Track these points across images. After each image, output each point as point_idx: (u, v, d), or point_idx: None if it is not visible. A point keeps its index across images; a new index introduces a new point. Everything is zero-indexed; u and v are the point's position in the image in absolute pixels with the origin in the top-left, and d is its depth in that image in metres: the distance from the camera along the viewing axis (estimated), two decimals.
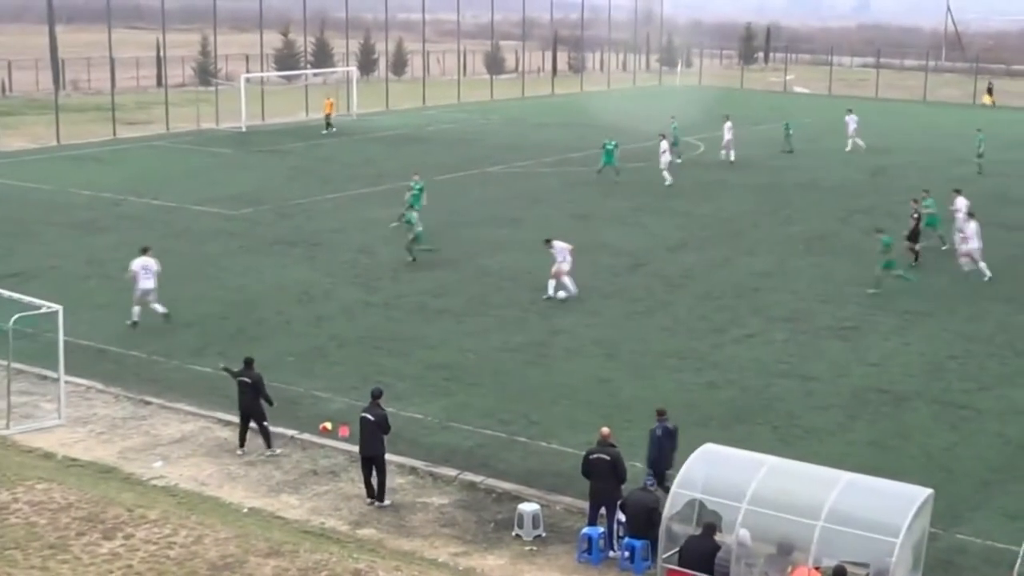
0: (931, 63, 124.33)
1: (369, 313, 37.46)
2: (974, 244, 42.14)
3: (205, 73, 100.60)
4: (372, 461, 24.55)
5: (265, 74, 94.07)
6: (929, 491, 20.26)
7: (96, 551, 20.45)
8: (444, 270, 42.41)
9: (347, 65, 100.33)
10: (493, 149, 70.52)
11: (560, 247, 39.06)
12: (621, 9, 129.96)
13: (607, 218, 51.56)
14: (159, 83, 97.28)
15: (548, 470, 26.01)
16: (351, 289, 40.04)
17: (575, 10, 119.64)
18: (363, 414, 24.72)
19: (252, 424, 27.06)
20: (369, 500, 24.47)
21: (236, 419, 28.25)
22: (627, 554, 21.91)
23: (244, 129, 78.01)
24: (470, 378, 31.68)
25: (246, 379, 27.09)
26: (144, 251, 36.59)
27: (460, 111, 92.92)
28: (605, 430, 23.37)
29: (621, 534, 22.40)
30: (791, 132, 73.11)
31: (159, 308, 35.78)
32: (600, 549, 22.29)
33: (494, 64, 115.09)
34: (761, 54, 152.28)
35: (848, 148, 73.18)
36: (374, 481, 24.57)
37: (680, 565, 20.29)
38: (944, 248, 45.43)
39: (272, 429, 27.73)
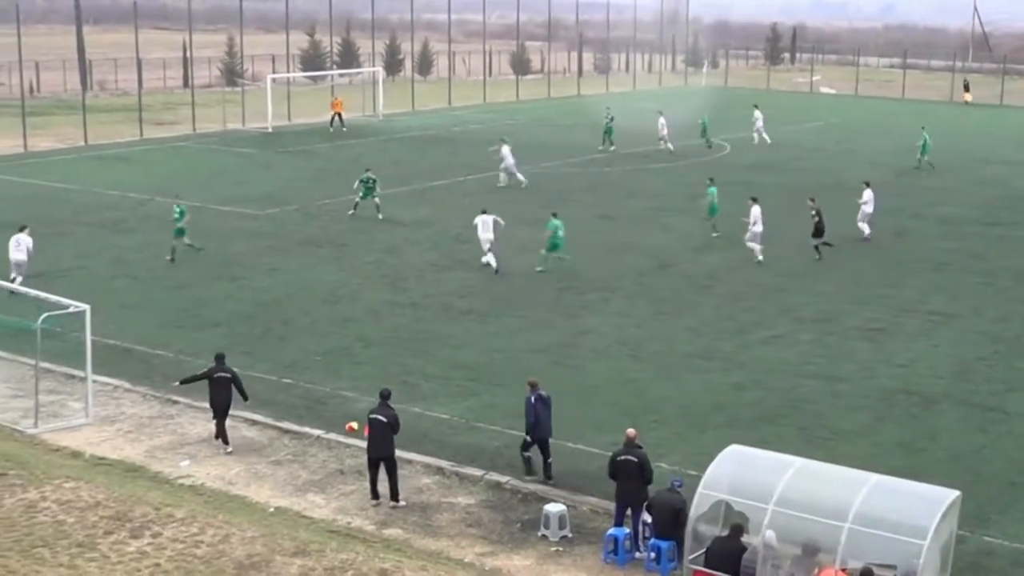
0: (958, 64, 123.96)
1: (395, 313, 37.50)
2: (757, 228, 44.13)
3: (231, 74, 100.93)
4: (381, 462, 24.58)
5: (291, 75, 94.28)
6: (957, 493, 20.17)
7: (124, 549, 20.52)
8: (469, 271, 42.43)
9: (373, 65, 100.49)
10: (519, 149, 70.37)
11: (486, 219, 42.40)
12: (647, 10, 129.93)
13: (633, 218, 51.52)
14: (186, 84, 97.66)
15: (574, 471, 25.97)
16: (377, 289, 40.09)
17: (601, 11, 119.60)
18: (373, 415, 24.68)
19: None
20: (375, 501, 24.50)
21: (262, 418, 28.50)
22: (653, 555, 21.89)
23: (270, 129, 78.20)
24: (496, 378, 31.67)
25: (224, 374, 27.30)
26: (21, 228, 39.97)
27: (486, 111, 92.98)
28: (631, 431, 23.34)
29: (647, 535, 22.39)
30: (707, 126, 74.17)
31: (17, 280, 37.43)
32: (626, 550, 22.28)
33: (520, 65, 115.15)
34: (787, 55, 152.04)
35: (755, 141, 75.07)
36: (383, 486, 24.61)
37: (706, 566, 20.25)
38: (715, 235, 47.65)
39: (298, 428, 27.97)
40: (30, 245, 39.56)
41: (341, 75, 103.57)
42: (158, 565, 19.98)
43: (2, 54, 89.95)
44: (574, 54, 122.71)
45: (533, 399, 25.48)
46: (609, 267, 43.18)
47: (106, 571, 19.71)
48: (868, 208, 48.47)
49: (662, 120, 71.24)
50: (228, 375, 27.36)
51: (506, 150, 59.58)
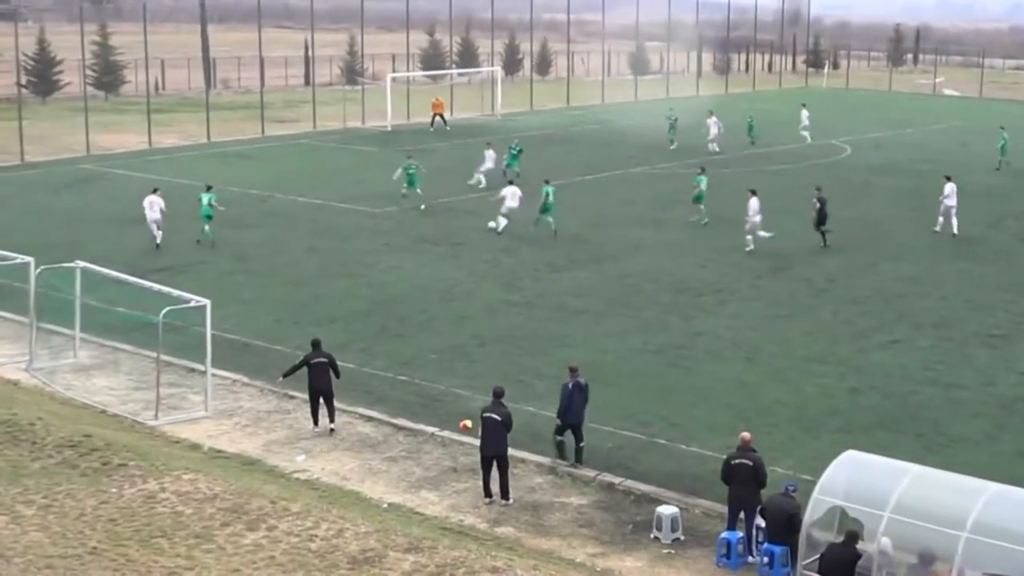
0: None
1: (510, 312, 37.60)
2: (756, 219, 45.55)
3: (352, 72, 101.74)
4: (494, 460, 24.71)
5: (411, 74, 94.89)
6: None
7: (240, 542, 20.78)
8: (585, 271, 42.42)
9: (492, 65, 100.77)
10: (637, 150, 70.27)
11: (512, 191, 48.72)
12: (767, 10, 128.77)
13: None
14: (307, 82, 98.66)
15: (687, 473, 25.89)
16: (493, 288, 40.22)
17: (721, 11, 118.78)
18: (487, 413, 24.84)
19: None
20: (488, 499, 24.62)
21: (377, 415, 28.76)
22: (766, 560, 21.72)
23: (389, 128, 78.76)
24: (610, 379, 31.60)
25: (322, 359, 28.02)
26: (154, 191, 46.32)
27: (604, 111, 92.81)
28: (746, 435, 23.17)
29: (760, 539, 22.22)
30: (753, 125, 75.11)
31: (157, 235, 45.15)
32: (739, 554, 22.14)
33: (639, 65, 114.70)
34: (910, 56, 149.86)
35: (808, 140, 75.39)
36: (495, 484, 24.74)
37: (820, 572, 20.06)
38: (704, 223, 49.58)
39: (412, 425, 28.20)
40: (163, 206, 45.53)
41: (460, 74, 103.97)
42: (273, 558, 20.21)
43: (129, 52, 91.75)
44: (693, 54, 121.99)
45: (571, 385, 26.23)
46: (725, 269, 42.92)
47: (222, 563, 19.97)
48: (949, 202, 48.42)
49: (712, 119, 70.99)
50: (325, 359, 28.05)
51: (489, 153, 59.65)
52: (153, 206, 45.31)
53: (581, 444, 26.39)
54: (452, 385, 30.89)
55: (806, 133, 76.16)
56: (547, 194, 47.86)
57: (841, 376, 32.13)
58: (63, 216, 50.36)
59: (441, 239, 46.92)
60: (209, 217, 46.22)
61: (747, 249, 45.08)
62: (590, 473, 25.82)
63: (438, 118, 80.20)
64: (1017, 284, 41.41)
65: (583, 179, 60.63)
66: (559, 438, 26.54)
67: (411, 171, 53.50)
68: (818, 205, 46.63)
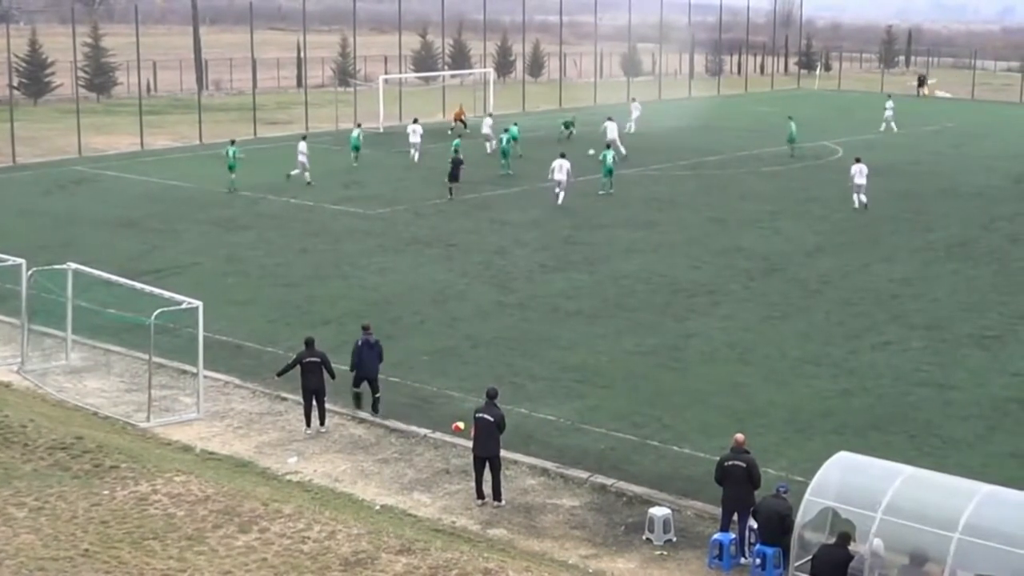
0: None
1: (503, 314, 37.58)
2: (560, 177, 53.86)
3: (344, 74, 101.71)
4: (487, 461, 24.70)
5: (403, 75, 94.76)
6: None
7: (232, 544, 20.76)
8: (578, 272, 42.40)
9: (484, 67, 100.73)
10: (629, 151, 70.14)
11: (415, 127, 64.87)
12: (760, 12, 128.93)
13: (743, 221, 51.14)
14: (299, 84, 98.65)
15: (680, 474, 25.88)
16: (485, 290, 40.20)
17: (713, 13, 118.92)
18: (480, 414, 24.84)
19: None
20: (480, 501, 24.61)
21: (369, 416, 28.75)
22: (758, 561, 21.71)
23: (382, 130, 78.64)
24: (603, 380, 31.62)
25: (314, 359, 28.21)
26: (303, 137, 60.28)
27: (596, 113, 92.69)
28: (740, 437, 23.16)
29: (753, 541, 22.22)
30: (572, 124, 77.03)
31: (300, 172, 58.21)
32: (731, 555, 22.13)
33: (631, 66, 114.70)
34: (902, 58, 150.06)
35: (631, 130, 79.19)
36: (487, 486, 24.74)
37: (812, 573, 20.05)
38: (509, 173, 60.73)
39: (404, 427, 28.17)
40: (308, 154, 58.38)
41: (452, 76, 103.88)
42: (265, 560, 20.19)
43: (121, 54, 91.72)
44: (685, 56, 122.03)
45: (360, 343, 28.84)
46: (719, 270, 42.92)
47: (214, 565, 19.95)
48: (858, 180, 53.56)
49: (610, 124, 68.93)
50: (318, 359, 28.16)
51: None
52: (302, 153, 57.89)
53: (376, 395, 28.86)
54: (444, 387, 30.87)
55: (632, 124, 79.46)
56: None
57: (834, 377, 32.14)
58: (55, 218, 50.31)
59: (433, 241, 46.89)
60: (232, 168, 56.23)
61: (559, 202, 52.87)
62: (583, 475, 25.82)
63: (459, 123, 79.83)
64: (1009, 285, 41.45)
65: (576, 180, 60.49)
66: (355, 390, 28.86)
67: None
68: (452, 164, 55.85)
